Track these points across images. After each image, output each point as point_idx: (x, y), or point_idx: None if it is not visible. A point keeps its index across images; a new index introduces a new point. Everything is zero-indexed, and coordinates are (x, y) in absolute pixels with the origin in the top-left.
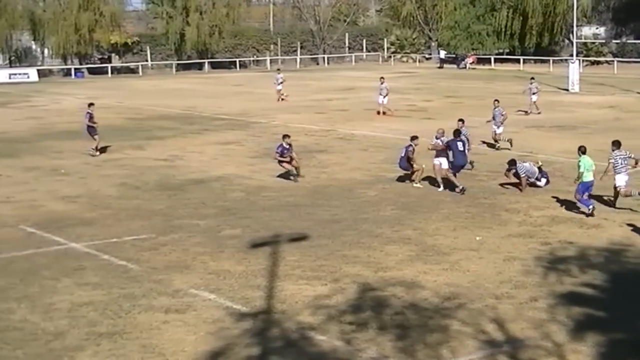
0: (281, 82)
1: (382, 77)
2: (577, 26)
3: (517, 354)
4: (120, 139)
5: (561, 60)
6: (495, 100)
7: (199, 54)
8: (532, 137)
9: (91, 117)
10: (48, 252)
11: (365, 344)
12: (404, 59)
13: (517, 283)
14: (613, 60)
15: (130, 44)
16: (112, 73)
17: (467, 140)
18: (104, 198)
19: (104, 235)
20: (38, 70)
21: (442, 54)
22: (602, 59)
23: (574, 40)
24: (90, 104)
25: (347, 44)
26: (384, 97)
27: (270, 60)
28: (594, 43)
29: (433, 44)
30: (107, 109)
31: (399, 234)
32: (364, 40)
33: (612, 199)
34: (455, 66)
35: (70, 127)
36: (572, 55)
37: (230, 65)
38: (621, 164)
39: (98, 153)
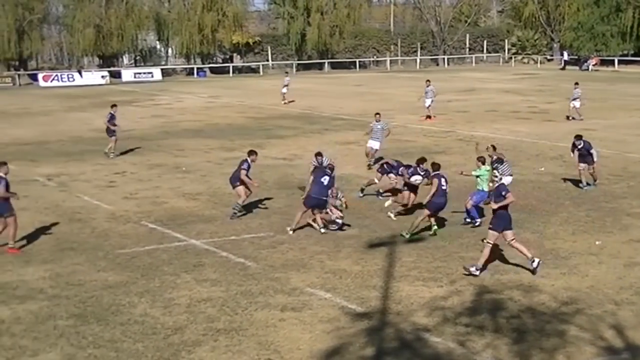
0: (286, 85)
1: (428, 80)
2: None
3: None
4: (242, 138)
5: None
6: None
7: (320, 54)
8: None
9: (112, 118)
10: (169, 248)
11: (481, 347)
12: (525, 60)
13: (638, 289)
14: None
15: (251, 43)
16: (233, 72)
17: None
18: (224, 196)
19: (223, 233)
20: (162, 69)
21: (566, 55)
22: None
23: None
24: (113, 105)
25: (467, 45)
26: (431, 100)
27: (390, 60)
28: None
29: (555, 45)
30: (229, 108)
31: (518, 237)
32: (485, 41)
33: None
34: (577, 68)
35: (192, 126)
36: None
37: (350, 66)
38: None
39: (112, 154)
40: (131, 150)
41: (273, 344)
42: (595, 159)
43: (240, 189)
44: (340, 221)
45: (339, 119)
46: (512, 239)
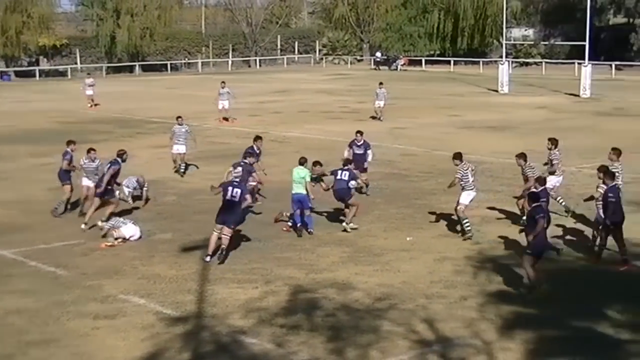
0: (91, 86)
1: (223, 82)
2: (507, 28)
3: (447, 353)
4: (52, 143)
5: (491, 61)
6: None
7: (130, 56)
8: (463, 137)
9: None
10: None
11: (297, 346)
12: (336, 60)
13: (447, 283)
14: (542, 62)
15: (59, 46)
16: (40, 76)
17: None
18: (36, 203)
19: (33, 242)
20: None
21: (379, 55)
22: (531, 60)
23: (504, 42)
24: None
25: (279, 46)
26: (228, 101)
27: (202, 62)
28: (523, 45)
29: (365, 46)
30: (38, 113)
31: (332, 236)
32: (296, 43)
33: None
34: (387, 68)
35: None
36: (501, 57)
37: (161, 68)
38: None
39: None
40: None
41: (87, 353)
42: (368, 159)
43: (67, 187)
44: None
45: (153, 122)
46: None
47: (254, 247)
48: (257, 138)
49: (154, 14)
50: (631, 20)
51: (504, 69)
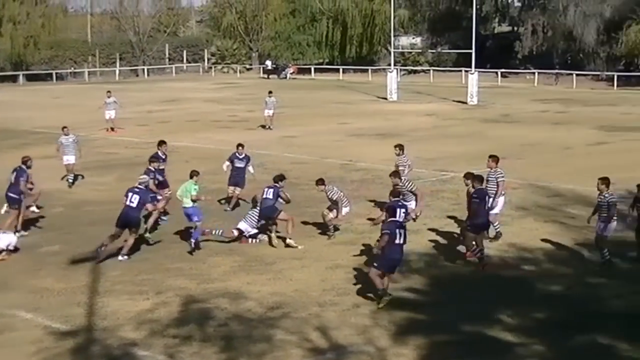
0: None
1: (108, 91)
2: (394, 36)
3: None
4: None
5: (380, 69)
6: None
7: (14, 66)
8: (353, 145)
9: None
10: None
11: (189, 357)
12: (225, 69)
13: (340, 290)
14: (429, 70)
15: None
16: None
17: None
18: None
19: None
20: None
21: (269, 64)
22: (419, 68)
23: (392, 50)
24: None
25: (167, 55)
26: (113, 111)
27: (89, 72)
28: (411, 53)
29: (254, 54)
30: None
31: (223, 246)
32: (185, 52)
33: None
34: (276, 76)
35: None
36: (390, 65)
37: (46, 78)
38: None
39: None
40: None
41: None
42: (251, 171)
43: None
44: None
45: (38, 132)
46: None
47: (145, 259)
48: (162, 143)
49: (38, 22)
50: (515, 28)
51: (393, 77)
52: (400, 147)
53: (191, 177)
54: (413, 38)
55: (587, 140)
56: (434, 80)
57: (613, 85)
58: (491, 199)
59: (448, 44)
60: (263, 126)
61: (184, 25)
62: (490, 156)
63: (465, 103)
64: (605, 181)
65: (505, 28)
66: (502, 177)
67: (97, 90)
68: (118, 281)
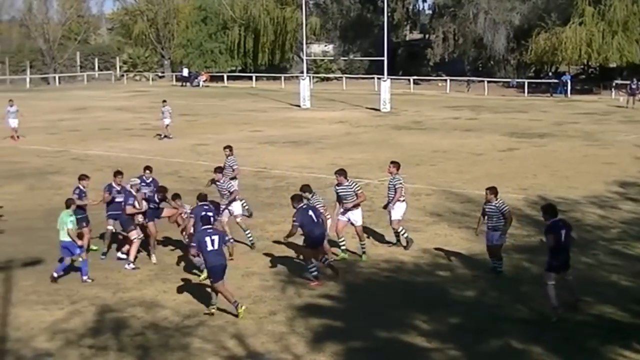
0: None
1: (10, 100)
2: (306, 44)
3: None
4: None
5: (293, 77)
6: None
7: None
8: (265, 152)
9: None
10: None
11: None
12: (137, 77)
13: (256, 298)
14: (342, 77)
15: None
16: None
17: None
18: None
19: None
20: None
21: (185, 71)
22: (331, 75)
23: (304, 58)
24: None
25: (78, 63)
26: (16, 120)
27: None
28: (323, 60)
29: (166, 62)
30: None
31: (138, 254)
32: (96, 59)
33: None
34: (189, 84)
35: None
36: (302, 72)
37: None
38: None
39: None
40: None
41: None
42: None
43: None
44: None
45: None
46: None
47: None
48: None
49: None
50: (426, 36)
51: (305, 84)
52: (228, 147)
53: (67, 207)
54: (325, 45)
55: (498, 147)
56: (347, 88)
57: (524, 92)
58: (390, 204)
59: (360, 52)
60: (160, 135)
61: (94, 33)
62: (392, 162)
63: (378, 110)
64: (493, 191)
65: (416, 35)
66: (400, 183)
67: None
68: (31, 291)
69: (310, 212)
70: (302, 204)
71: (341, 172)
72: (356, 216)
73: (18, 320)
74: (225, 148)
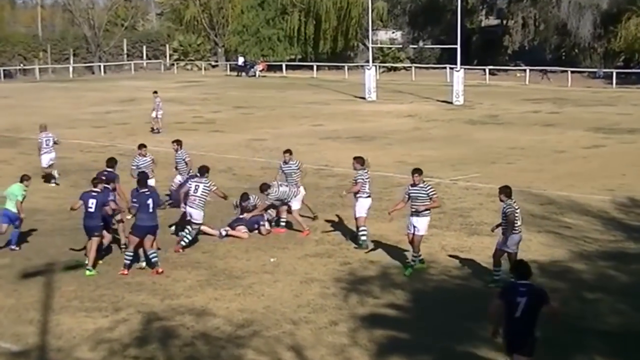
0: None
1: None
2: (372, 30)
3: None
4: None
5: (357, 66)
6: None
7: None
8: (327, 149)
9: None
10: None
11: None
12: (189, 66)
13: (315, 306)
14: (410, 67)
15: None
16: None
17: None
18: None
19: None
20: None
21: (241, 60)
22: (399, 65)
23: (370, 46)
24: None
25: (125, 51)
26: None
27: (40, 69)
28: (390, 48)
29: (220, 50)
30: None
31: (187, 258)
32: (144, 47)
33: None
34: (244, 74)
35: None
36: (368, 61)
37: None
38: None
39: None
40: None
41: None
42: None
43: None
44: None
45: None
46: None
47: (102, 271)
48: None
49: None
50: (504, 21)
51: (371, 75)
52: (178, 142)
53: (21, 181)
54: (392, 32)
55: (582, 143)
56: (416, 78)
57: (611, 83)
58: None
59: (430, 39)
60: (152, 129)
61: (143, 19)
62: (354, 157)
63: (450, 103)
64: (505, 190)
65: (493, 21)
66: (361, 177)
67: (50, 89)
68: (74, 297)
69: None
70: None
71: (419, 172)
72: (422, 223)
73: (59, 328)
74: (173, 142)
